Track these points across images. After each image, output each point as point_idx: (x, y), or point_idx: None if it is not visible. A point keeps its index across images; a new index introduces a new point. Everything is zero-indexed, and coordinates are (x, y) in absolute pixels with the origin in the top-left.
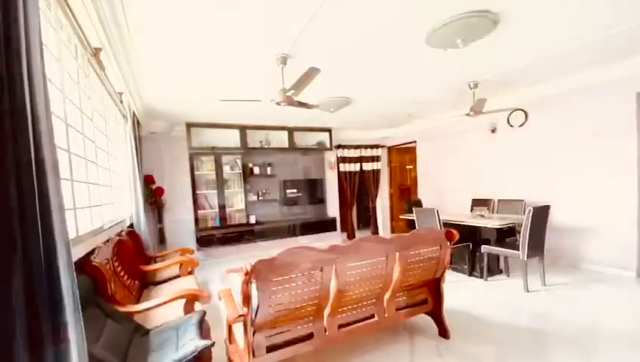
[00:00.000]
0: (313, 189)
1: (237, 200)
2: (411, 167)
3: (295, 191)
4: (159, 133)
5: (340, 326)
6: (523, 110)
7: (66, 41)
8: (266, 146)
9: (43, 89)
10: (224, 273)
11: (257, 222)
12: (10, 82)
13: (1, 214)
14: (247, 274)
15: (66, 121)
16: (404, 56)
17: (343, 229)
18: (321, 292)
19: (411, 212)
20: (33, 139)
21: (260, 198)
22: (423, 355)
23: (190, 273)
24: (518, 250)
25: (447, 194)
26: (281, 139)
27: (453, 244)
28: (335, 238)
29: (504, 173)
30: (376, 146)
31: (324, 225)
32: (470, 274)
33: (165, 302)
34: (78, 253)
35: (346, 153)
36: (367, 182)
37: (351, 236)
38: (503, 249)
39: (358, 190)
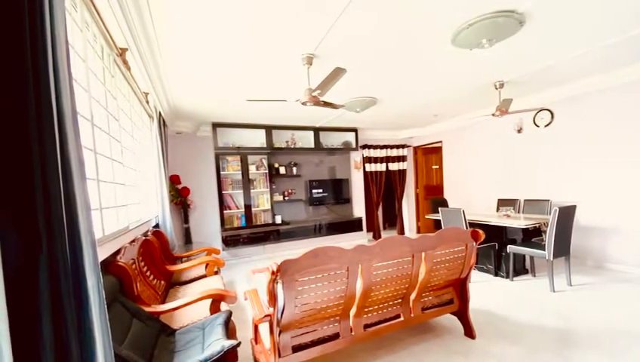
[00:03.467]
0: (339, 189)
1: (263, 201)
2: (437, 166)
3: (321, 191)
4: (185, 133)
5: (366, 326)
6: (549, 110)
7: (91, 41)
8: (292, 146)
9: (69, 89)
10: (250, 273)
11: (283, 222)
12: (35, 82)
13: (27, 214)
14: (273, 273)
15: (92, 120)
16: (430, 56)
17: (368, 229)
18: (347, 293)
19: (437, 212)
20: (59, 139)
21: (286, 198)
22: (449, 355)
23: (216, 273)
24: (544, 249)
25: (473, 194)
26: (307, 139)
27: (479, 244)
28: (361, 238)
29: (530, 173)
30: (402, 146)
31: (350, 225)
32: (496, 274)
33: (191, 302)
34: (104, 252)
35: (372, 153)
36: (393, 182)
37: (377, 236)
38: (528, 249)
39: (384, 190)
